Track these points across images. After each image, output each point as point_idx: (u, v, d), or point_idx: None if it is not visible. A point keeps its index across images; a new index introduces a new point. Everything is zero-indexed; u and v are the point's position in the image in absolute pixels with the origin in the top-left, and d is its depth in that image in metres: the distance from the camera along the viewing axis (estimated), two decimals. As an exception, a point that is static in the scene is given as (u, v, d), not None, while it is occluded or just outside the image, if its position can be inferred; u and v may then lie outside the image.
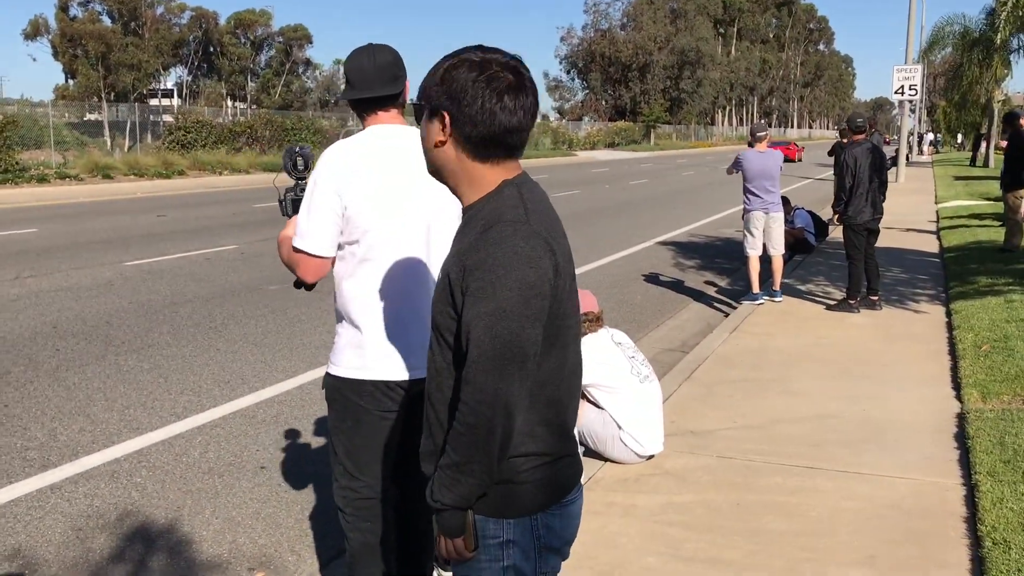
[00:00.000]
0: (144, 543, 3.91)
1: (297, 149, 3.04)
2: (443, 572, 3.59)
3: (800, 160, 46.70)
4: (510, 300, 1.63)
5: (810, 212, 13.27)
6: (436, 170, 1.85)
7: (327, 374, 2.82)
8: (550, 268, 1.67)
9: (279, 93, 67.94)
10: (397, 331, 2.67)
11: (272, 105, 59.16)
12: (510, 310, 1.63)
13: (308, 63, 73.42)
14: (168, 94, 66.43)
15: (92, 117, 50.07)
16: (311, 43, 70.25)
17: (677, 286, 10.60)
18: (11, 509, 4.18)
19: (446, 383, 1.78)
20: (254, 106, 60.42)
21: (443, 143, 1.77)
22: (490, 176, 1.78)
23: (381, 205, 2.61)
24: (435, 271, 2.72)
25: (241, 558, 3.79)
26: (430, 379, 1.84)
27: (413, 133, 2.72)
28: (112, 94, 56.71)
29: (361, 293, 2.69)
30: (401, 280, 2.66)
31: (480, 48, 1.77)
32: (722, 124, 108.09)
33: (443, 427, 1.79)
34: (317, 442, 5.14)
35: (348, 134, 3.11)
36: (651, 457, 4.63)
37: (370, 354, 2.69)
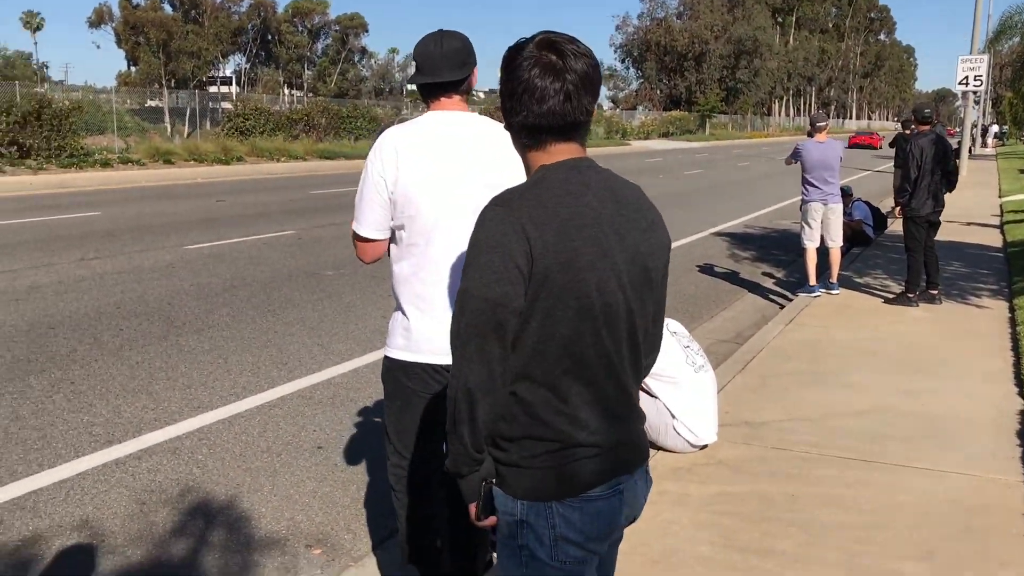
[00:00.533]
0: (205, 518, 4.01)
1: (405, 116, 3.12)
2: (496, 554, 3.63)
3: (880, 148, 50.32)
4: (474, 282, 1.70)
5: (869, 204, 13.05)
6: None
7: (384, 355, 2.89)
8: (521, 254, 1.68)
9: (335, 81, 68.56)
10: (444, 315, 2.71)
11: (328, 93, 59.73)
12: (473, 291, 1.70)
13: (364, 51, 74.02)
14: (227, 81, 67.48)
15: (153, 104, 51.11)
16: (367, 31, 70.85)
17: (732, 277, 10.50)
18: (79, 482, 4.32)
19: None
20: (310, 94, 61.07)
21: (508, 128, 1.84)
22: (533, 160, 1.83)
23: (429, 191, 2.64)
24: None
25: (299, 535, 3.87)
26: None
27: (473, 120, 2.74)
28: (172, 81, 57.76)
29: (408, 277, 2.75)
30: (449, 265, 2.69)
31: (538, 33, 1.79)
32: (779, 114, 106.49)
33: None
34: (372, 424, 5.22)
35: (401, 121, 3.14)
36: (705, 447, 4.61)
37: (416, 337, 2.74)
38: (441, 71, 2.68)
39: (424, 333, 2.73)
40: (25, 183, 19.66)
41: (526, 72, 1.73)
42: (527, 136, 1.80)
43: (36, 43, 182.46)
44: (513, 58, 1.77)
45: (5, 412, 5.20)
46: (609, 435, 1.82)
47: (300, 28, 70.04)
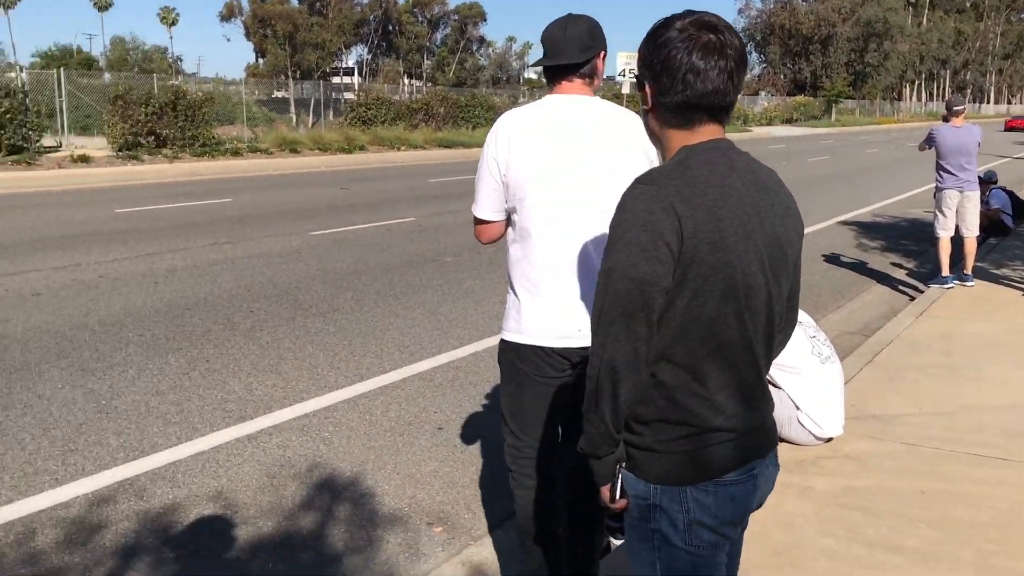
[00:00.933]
0: (331, 493, 4.15)
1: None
2: (614, 540, 3.63)
3: None
4: (619, 261, 1.67)
5: (1009, 192, 12.37)
6: (650, 137, 1.89)
7: (500, 338, 2.93)
8: (671, 232, 1.65)
9: (453, 70, 69.38)
10: (553, 299, 2.72)
11: (446, 82, 60.54)
12: (618, 270, 1.67)
13: (482, 41, 74.61)
14: (349, 72, 69.14)
15: (279, 95, 52.82)
16: (485, 21, 71.27)
17: (859, 267, 10.15)
18: (214, 455, 4.53)
19: None
20: (429, 83, 62.00)
21: (648, 111, 1.82)
22: (675, 141, 1.80)
23: (542, 175, 2.64)
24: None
25: (420, 513, 3.97)
26: None
27: (594, 104, 2.73)
28: (298, 72, 59.57)
29: (520, 260, 2.77)
30: (560, 250, 2.69)
31: (684, 12, 1.77)
32: (909, 99, 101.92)
33: None
34: (490, 407, 5.28)
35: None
36: (829, 440, 4.49)
37: (526, 319, 2.77)
38: (563, 53, 2.67)
39: (534, 316, 2.75)
40: (161, 171, 20.68)
41: (685, 53, 1.71)
42: (679, 115, 1.77)
43: (171, 37, 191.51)
44: (663, 35, 1.74)
45: (146, 387, 5.50)
46: (745, 420, 1.80)
47: (420, 18, 71.18)
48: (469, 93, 41.02)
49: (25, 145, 21.09)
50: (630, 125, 2.68)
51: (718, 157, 1.76)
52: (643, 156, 2.68)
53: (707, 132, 1.78)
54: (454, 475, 4.37)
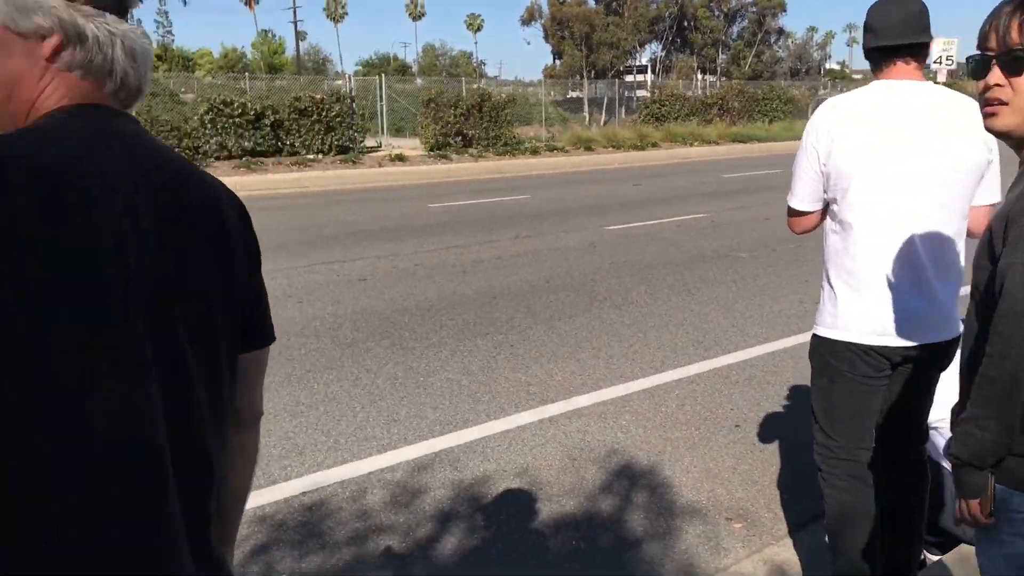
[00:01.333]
0: (629, 479, 4.25)
1: (823, 98, 3.10)
2: (930, 556, 3.42)
3: None
4: None
5: None
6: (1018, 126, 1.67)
7: (812, 333, 2.85)
8: None
9: (749, 64, 67.60)
10: (875, 295, 2.59)
11: (741, 76, 59.06)
12: None
13: (781, 32, 71.92)
14: (643, 70, 69.49)
15: (573, 95, 54.20)
16: (784, 11, 68.64)
17: None
18: (519, 434, 4.80)
19: (980, 348, 1.66)
20: (723, 78, 60.87)
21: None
22: None
23: (866, 163, 2.54)
24: (945, 237, 2.58)
25: (719, 508, 3.96)
26: (964, 347, 1.78)
27: (929, 89, 2.59)
28: (592, 72, 60.77)
29: (839, 251, 2.67)
30: (884, 239, 2.56)
31: None
32: None
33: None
34: (790, 408, 5.15)
35: (819, 103, 3.06)
36: None
37: (843, 314, 2.66)
38: (903, 33, 2.54)
39: (853, 311, 2.64)
40: (467, 169, 22.00)
41: None
42: None
43: (476, 43, 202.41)
44: None
45: (458, 367, 5.92)
46: None
47: (716, 12, 69.98)
48: (766, 86, 39.80)
49: (351, 145, 23.31)
50: (967, 109, 2.51)
51: None
52: (980, 143, 2.51)
53: None
54: (753, 473, 4.31)
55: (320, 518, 3.86)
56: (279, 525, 3.79)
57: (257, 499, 3.99)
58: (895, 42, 2.55)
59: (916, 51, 2.57)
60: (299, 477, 4.26)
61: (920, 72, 2.62)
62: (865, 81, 3.04)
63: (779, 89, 39.16)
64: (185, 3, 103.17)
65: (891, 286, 2.57)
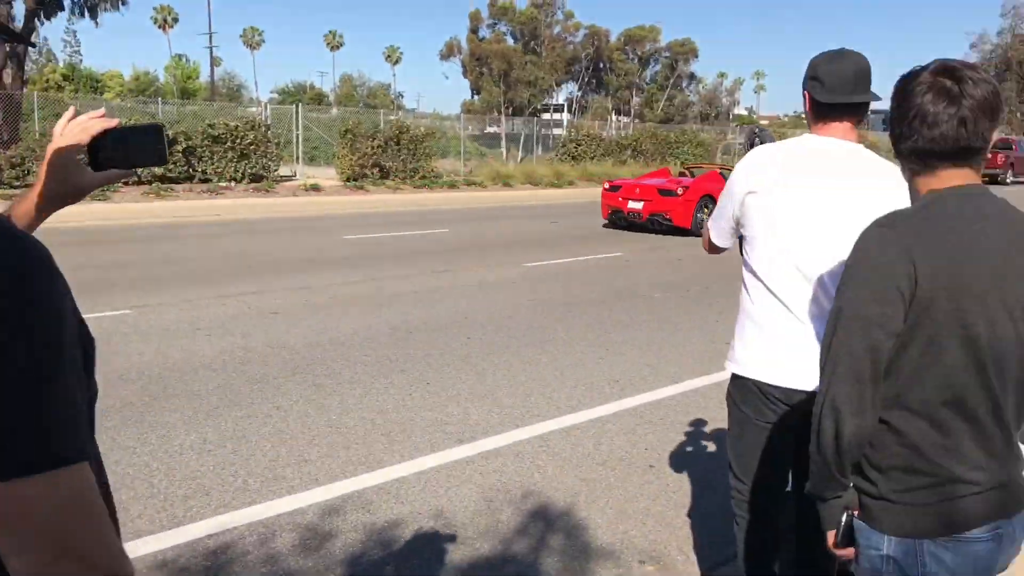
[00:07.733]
0: (544, 521, 4.21)
1: (757, 130, 3.15)
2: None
3: None
4: (849, 301, 1.69)
5: None
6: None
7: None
8: (903, 277, 1.62)
9: (661, 107, 69.31)
10: (772, 333, 2.65)
11: (654, 119, 60.43)
12: (848, 311, 1.69)
13: (692, 77, 74.07)
14: (559, 109, 70.49)
15: (491, 130, 54.67)
16: (697, 57, 70.72)
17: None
18: (434, 475, 4.72)
19: None
20: (637, 120, 62.19)
21: (897, 155, 1.83)
22: (921, 185, 1.76)
23: (781, 211, 2.59)
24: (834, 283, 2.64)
25: (632, 549, 3.95)
26: None
27: (850, 149, 2.60)
28: (510, 109, 61.39)
29: (750, 289, 2.74)
30: (785, 285, 2.61)
31: (935, 61, 1.74)
32: None
33: None
34: (702, 448, 5.21)
35: (753, 133, 3.16)
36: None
37: (748, 352, 2.73)
38: (855, 90, 2.51)
39: (759, 350, 2.70)
40: (385, 201, 21.89)
41: (919, 97, 1.69)
42: (916, 161, 1.76)
43: (395, 75, 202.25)
44: (906, 85, 1.73)
45: (372, 405, 5.82)
46: (991, 474, 1.72)
47: (631, 56, 71.60)
48: (679, 129, 40.81)
49: (265, 174, 22.95)
50: (886, 171, 2.56)
51: (967, 202, 1.71)
52: (890, 185, 2.58)
53: (953, 177, 1.72)
54: (666, 514, 4.32)
55: (225, 562, 3.71)
56: (181, 571, 3.63)
57: (159, 542, 3.83)
58: (849, 99, 2.53)
59: (862, 111, 2.58)
60: (204, 519, 4.10)
61: (855, 133, 2.62)
62: (774, 127, 3.12)
63: (690, 133, 40.18)
64: (97, 24, 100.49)
65: (794, 331, 2.61)
